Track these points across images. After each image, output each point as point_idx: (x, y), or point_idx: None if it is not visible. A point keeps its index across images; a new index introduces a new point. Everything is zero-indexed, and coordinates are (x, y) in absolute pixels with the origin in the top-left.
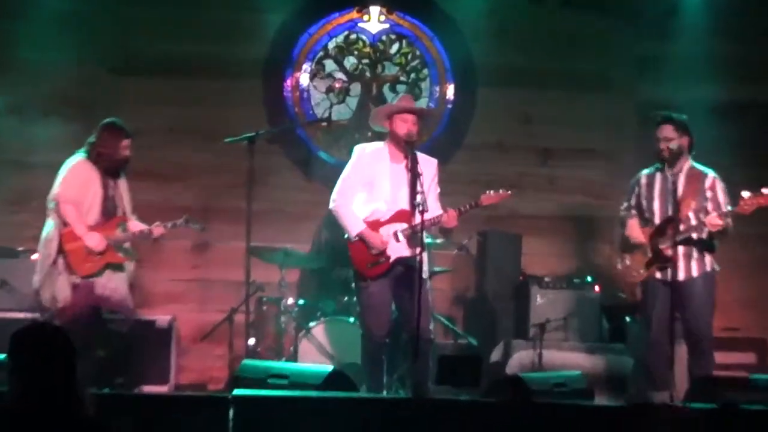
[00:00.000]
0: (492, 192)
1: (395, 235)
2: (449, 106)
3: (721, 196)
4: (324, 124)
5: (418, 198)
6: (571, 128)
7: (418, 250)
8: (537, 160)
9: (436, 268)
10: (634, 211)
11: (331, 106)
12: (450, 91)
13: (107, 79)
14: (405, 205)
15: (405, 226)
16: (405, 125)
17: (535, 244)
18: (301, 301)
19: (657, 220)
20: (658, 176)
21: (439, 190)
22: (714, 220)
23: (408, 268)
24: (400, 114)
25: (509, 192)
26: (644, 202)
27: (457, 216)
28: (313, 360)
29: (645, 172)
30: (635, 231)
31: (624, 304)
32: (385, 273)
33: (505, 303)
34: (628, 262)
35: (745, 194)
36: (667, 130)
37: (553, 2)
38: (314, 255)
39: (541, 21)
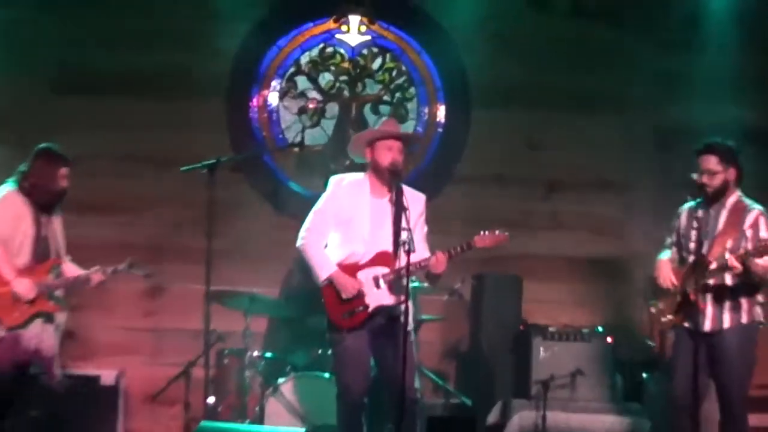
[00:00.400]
0: (487, 233)
1: (375, 280)
2: (440, 130)
3: (765, 234)
4: (296, 150)
5: (404, 236)
6: (581, 156)
7: (402, 297)
8: (541, 193)
9: (424, 317)
10: (669, 249)
11: (303, 130)
12: (441, 113)
13: (46, 97)
14: (386, 245)
15: (386, 270)
16: (389, 153)
17: (538, 288)
18: (268, 354)
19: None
20: (700, 211)
21: (426, 229)
22: (732, 262)
23: (390, 318)
24: (384, 140)
25: (506, 234)
26: (683, 240)
27: (447, 260)
28: (281, 422)
29: (687, 205)
30: (663, 271)
31: (641, 357)
32: (363, 324)
33: (503, 356)
34: (661, 305)
35: (765, 235)
36: (711, 162)
37: (560, 9)
38: (284, 301)
39: (546, 31)
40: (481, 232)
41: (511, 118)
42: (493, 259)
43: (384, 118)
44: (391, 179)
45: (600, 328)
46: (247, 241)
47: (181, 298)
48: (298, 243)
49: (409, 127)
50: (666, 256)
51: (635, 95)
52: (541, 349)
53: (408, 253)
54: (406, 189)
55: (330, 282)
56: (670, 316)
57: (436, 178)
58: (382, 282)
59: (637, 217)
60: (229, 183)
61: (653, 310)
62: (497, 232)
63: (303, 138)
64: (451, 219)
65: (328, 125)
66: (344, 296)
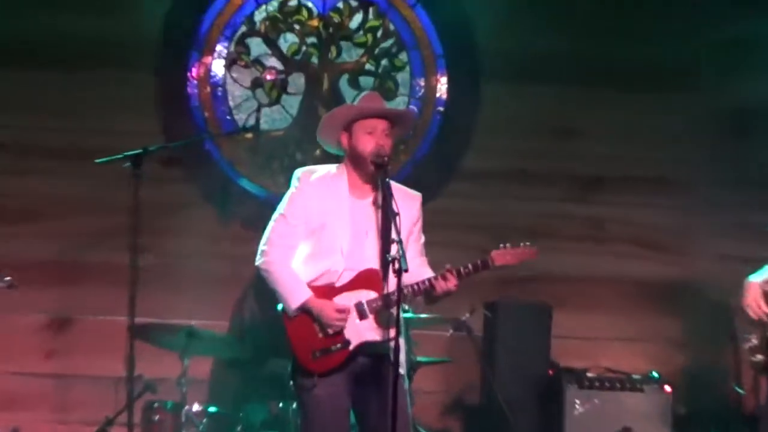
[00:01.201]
0: (508, 246)
1: (358, 308)
2: (440, 109)
3: None
4: (249, 136)
5: (393, 250)
6: (627, 146)
7: (392, 331)
8: (575, 194)
9: (421, 358)
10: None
11: (258, 109)
12: (442, 87)
13: None
14: (372, 262)
15: (373, 294)
16: (371, 138)
17: (571, 320)
18: (213, 408)
19: None
20: None
21: (423, 239)
22: None
23: (376, 359)
24: (364, 120)
25: (534, 249)
26: None
27: (456, 280)
28: None
29: None
30: (753, 297)
31: (711, 411)
32: (340, 366)
33: (525, 411)
34: (755, 341)
35: None
36: None
37: None
38: (234, 338)
39: None
40: (501, 246)
41: (535, 95)
42: (513, 280)
43: (365, 92)
44: (376, 173)
45: (655, 374)
46: (185, 257)
47: (96, 333)
48: (258, 261)
49: (399, 104)
50: (761, 277)
51: (700, 69)
52: (577, 402)
53: (399, 272)
54: (396, 187)
55: (303, 312)
56: (760, 356)
57: (435, 172)
58: (366, 309)
59: (701, 225)
60: (160, 180)
61: (746, 346)
62: (523, 245)
63: (258, 120)
64: (456, 227)
65: (292, 103)
66: (330, 330)
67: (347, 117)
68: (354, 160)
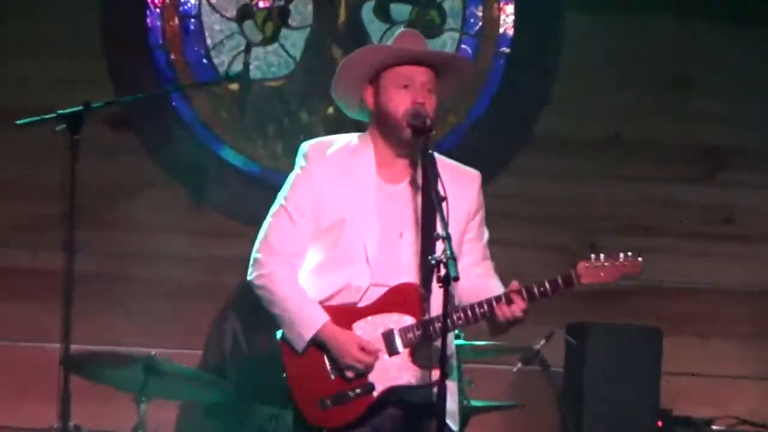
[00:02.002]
0: (601, 258)
1: (386, 339)
2: (504, 50)
3: None
4: (233, 87)
5: (439, 250)
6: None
7: (434, 372)
8: (695, 170)
9: (477, 402)
10: None
11: (247, 50)
12: (506, 19)
13: None
14: (409, 273)
15: (408, 320)
16: (406, 94)
17: (690, 349)
18: None
19: None
20: None
21: (487, 236)
22: None
23: (412, 409)
24: (398, 68)
25: (639, 261)
26: None
27: (525, 304)
28: None
29: None
30: None
31: None
32: (359, 420)
33: None
34: None
35: None
36: None
37: None
38: (210, 375)
39: None
40: (591, 257)
41: (638, 32)
42: (607, 294)
43: (399, 29)
44: (414, 143)
45: None
46: (143, 259)
47: (17, 366)
48: (252, 274)
49: (447, 46)
50: None
51: None
52: None
53: (446, 281)
54: (444, 162)
55: (315, 345)
56: None
57: (496, 141)
58: (399, 342)
59: None
60: (108, 150)
61: None
62: (622, 256)
63: (247, 65)
64: (524, 219)
65: (294, 41)
66: (349, 373)
67: (374, 63)
68: (382, 125)
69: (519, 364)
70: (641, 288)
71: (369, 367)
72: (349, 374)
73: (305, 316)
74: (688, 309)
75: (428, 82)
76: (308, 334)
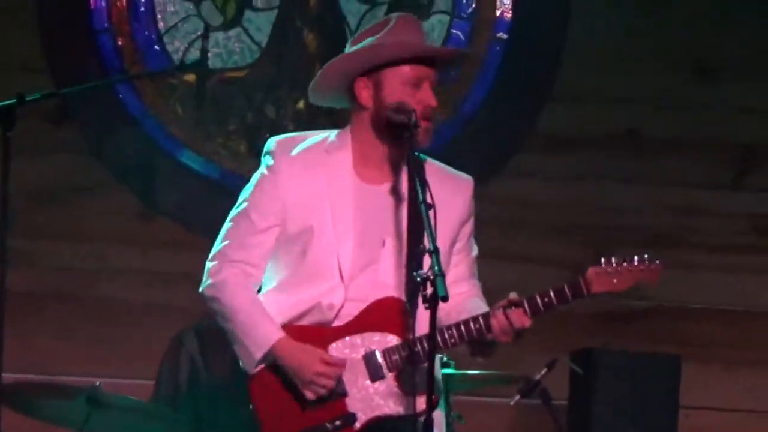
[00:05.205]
0: (613, 262)
1: (368, 362)
2: (501, 35)
3: None
4: (189, 77)
5: (426, 266)
6: None
7: (420, 400)
8: (724, 173)
9: None
10: None
11: (206, 35)
12: (504, 1)
13: None
14: (392, 287)
15: (393, 340)
16: (415, 95)
17: (714, 381)
18: None
19: None
20: None
21: (476, 251)
22: None
23: None
24: (406, 66)
25: (658, 266)
26: None
27: (529, 318)
28: None
29: None
30: None
31: None
32: None
33: None
34: None
35: None
36: None
37: None
38: (163, 407)
39: None
40: (602, 262)
41: (659, 11)
42: (618, 315)
43: (395, 15)
44: (405, 143)
45: None
46: (86, 274)
47: None
48: (204, 283)
49: (433, 30)
50: None
51: None
52: None
53: (433, 301)
54: (434, 167)
55: (272, 365)
56: None
57: (493, 138)
58: (382, 365)
59: None
60: (45, 149)
61: None
62: (637, 259)
63: (206, 52)
64: (527, 229)
65: (260, 24)
66: (310, 394)
67: (381, 56)
68: (376, 124)
69: (517, 397)
70: (658, 308)
71: (331, 382)
72: (311, 395)
73: (258, 331)
74: (712, 333)
75: (434, 81)
76: (259, 353)
